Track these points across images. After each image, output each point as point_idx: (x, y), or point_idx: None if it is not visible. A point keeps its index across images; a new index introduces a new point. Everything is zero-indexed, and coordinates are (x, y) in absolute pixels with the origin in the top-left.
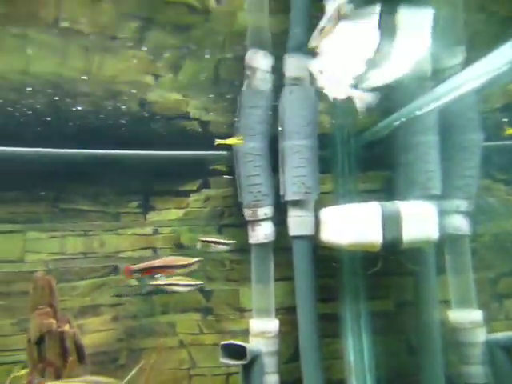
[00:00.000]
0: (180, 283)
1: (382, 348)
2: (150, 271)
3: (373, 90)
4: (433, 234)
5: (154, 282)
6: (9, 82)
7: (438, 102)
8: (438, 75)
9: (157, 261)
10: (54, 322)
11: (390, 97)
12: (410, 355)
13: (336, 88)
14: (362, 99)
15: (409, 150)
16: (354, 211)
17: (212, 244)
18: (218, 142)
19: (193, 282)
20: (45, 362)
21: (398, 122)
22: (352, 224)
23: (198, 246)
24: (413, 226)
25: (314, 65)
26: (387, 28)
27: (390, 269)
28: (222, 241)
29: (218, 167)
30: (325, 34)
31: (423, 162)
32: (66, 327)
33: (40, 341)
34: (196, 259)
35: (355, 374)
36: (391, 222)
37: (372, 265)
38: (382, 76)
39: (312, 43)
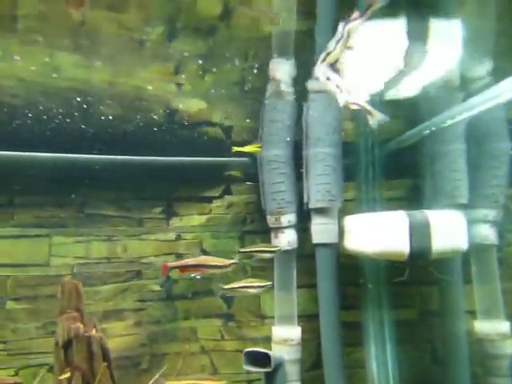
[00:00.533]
0: (253, 285)
1: (405, 358)
2: (186, 269)
3: (400, 99)
4: (462, 243)
5: (228, 286)
6: (38, 88)
7: (471, 113)
8: (467, 85)
9: (193, 259)
10: (82, 326)
11: (418, 106)
12: (434, 365)
13: (349, 96)
14: (375, 116)
15: (436, 159)
16: (381, 220)
17: (255, 253)
18: (236, 149)
19: (263, 284)
20: (72, 366)
21: (427, 131)
22: (378, 233)
23: (236, 258)
24: (442, 236)
25: (321, 70)
26: (417, 37)
27: (414, 278)
28: (267, 249)
29: (241, 174)
30: (331, 58)
31: (450, 171)
32: (93, 332)
33: (67, 345)
34: (232, 261)
35: (378, 383)
36: (420, 232)
37: (396, 273)
38: (411, 85)
39: (317, 69)
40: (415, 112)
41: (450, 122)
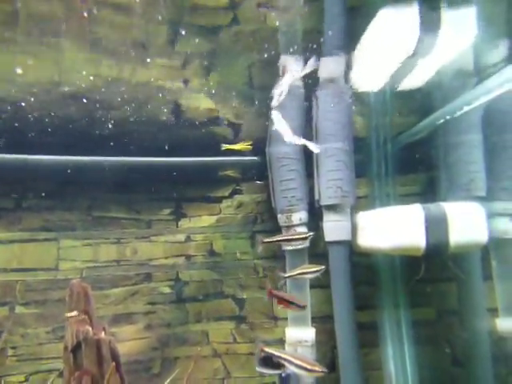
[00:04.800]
0: (309, 271)
1: (424, 359)
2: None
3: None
4: (482, 236)
5: (288, 274)
6: (44, 90)
7: (484, 99)
8: (481, 72)
9: None
10: (90, 329)
11: (431, 95)
12: (454, 366)
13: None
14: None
15: (450, 151)
16: (396, 214)
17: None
18: (226, 146)
19: (318, 268)
20: (81, 369)
21: (442, 120)
22: (393, 227)
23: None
24: (460, 229)
25: (275, 114)
26: (430, 23)
27: (431, 275)
28: (309, 270)
29: (250, 173)
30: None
31: (466, 163)
32: (102, 334)
33: (76, 348)
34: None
35: None
36: (436, 225)
37: (412, 270)
38: (423, 74)
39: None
40: (428, 103)
41: (465, 108)
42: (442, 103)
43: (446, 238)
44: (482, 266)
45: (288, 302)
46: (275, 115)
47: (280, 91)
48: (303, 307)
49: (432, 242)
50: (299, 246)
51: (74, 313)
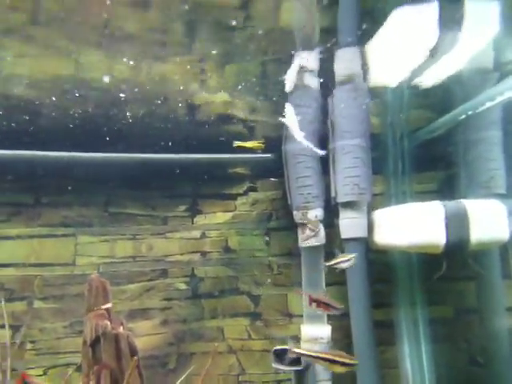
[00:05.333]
0: (343, 260)
1: (441, 357)
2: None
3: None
4: (503, 234)
5: (329, 263)
6: (59, 87)
7: (508, 95)
8: (501, 68)
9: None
10: (109, 323)
11: (449, 91)
12: (472, 366)
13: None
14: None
15: (470, 148)
16: (414, 211)
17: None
18: (237, 144)
19: (348, 257)
20: (100, 363)
21: (463, 116)
22: (412, 224)
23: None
24: (482, 226)
25: (289, 112)
26: (450, 18)
27: (448, 273)
28: (346, 258)
29: (265, 170)
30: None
31: (486, 160)
32: (120, 329)
33: (95, 342)
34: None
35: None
36: (457, 222)
37: (429, 268)
38: (442, 70)
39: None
40: (446, 99)
41: (488, 104)
42: (461, 99)
43: (466, 236)
44: (502, 264)
45: (326, 305)
46: (288, 108)
47: (289, 79)
48: (340, 309)
49: (452, 239)
50: (315, 244)
51: (109, 305)
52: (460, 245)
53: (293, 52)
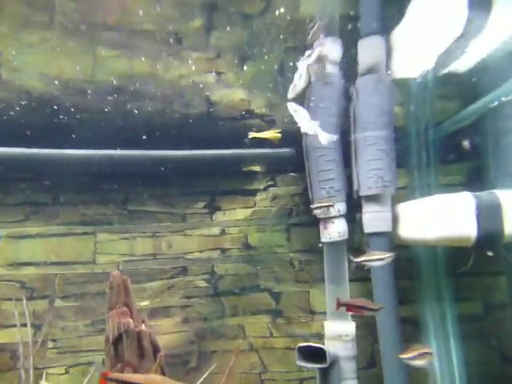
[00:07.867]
0: (380, 257)
1: (471, 356)
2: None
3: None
4: None
5: (358, 259)
6: (76, 85)
7: None
8: None
9: None
10: (131, 321)
11: (477, 80)
12: (504, 364)
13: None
14: (324, 138)
15: (500, 137)
16: (443, 203)
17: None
18: (253, 135)
19: (387, 255)
20: (123, 361)
21: (495, 103)
22: (440, 217)
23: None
24: None
25: (291, 104)
26: (480, 3)
27: (477, 267)
28: (380, 257)
29: (285, 164)
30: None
31: None
32: (143, 327)
33: (118, 340)
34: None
35: (442, 383)
36: (489, 213)
37: (456, 262)
38: (470, 57)
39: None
40: (473, 87)
41: None
42: (490, 87)
43: (500, 228)
44: None
45: (359, 308)
46: (291, 106)
47: (299, 75)
48: (378, 310)
49: (484, 231)
50: (338, 239)
51: (146, 302)
52: (493, 238)
53: (313, 41)
